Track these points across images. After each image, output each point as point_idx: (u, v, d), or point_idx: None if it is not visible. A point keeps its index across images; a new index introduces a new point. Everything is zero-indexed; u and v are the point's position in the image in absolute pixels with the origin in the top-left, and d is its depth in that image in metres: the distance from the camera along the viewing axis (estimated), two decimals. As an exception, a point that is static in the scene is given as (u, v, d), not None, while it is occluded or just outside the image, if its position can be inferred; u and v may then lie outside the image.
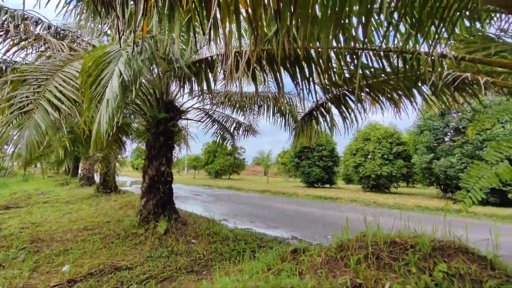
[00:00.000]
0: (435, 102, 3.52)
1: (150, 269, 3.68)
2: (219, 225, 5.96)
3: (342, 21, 2.02)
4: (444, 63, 2.35)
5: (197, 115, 7.06)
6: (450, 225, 2.52)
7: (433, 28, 2.05)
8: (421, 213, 9.83)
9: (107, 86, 2.08)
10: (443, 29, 1.95)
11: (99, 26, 3.57)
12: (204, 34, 2.01)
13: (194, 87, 4.49)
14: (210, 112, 7.18)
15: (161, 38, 2.63)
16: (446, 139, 14.45)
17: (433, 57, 2.24)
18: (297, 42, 2.37)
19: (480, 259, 2.12)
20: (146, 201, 5.41)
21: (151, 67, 3.66)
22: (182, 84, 4.22)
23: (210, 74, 3.89)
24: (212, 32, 1.87)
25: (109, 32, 4.76)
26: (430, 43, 2.21)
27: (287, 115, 6.16)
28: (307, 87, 3.17)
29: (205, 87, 4.31)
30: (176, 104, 5.92)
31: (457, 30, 2.45)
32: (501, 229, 3.17)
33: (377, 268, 2.03)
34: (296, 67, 2.92)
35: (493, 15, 2.21)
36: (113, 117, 1.97)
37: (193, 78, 3.93)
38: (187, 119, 6.81)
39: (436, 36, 1.99)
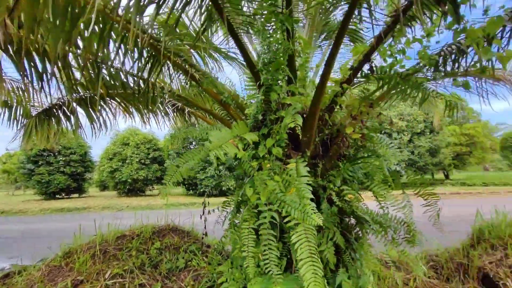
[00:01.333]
0: (172, 118, 4.50)
1: None
2: None
3: (76, 30, 2.08)
4: (166, 93, 3.18)
5: None
6: (171, 215, 3.37)
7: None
8: (168, 209, 11.42)
9: None
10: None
11: None
12: None
13: None
14: None
15: None
16: (191, 147, 18.05)
17: (152, 86, 2.98)
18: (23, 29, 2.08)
19: (184, 232, 3.05)
20: None
21: None
22: None
23: None
24: None
25: None
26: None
27: (15, 107, 4.72)
28: (42, 82, 2.76)
29: None
30: None
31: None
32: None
33: (102, 262, 2.26)
34: (25, 58, 2.47)
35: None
36: None
37: None
38: None
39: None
